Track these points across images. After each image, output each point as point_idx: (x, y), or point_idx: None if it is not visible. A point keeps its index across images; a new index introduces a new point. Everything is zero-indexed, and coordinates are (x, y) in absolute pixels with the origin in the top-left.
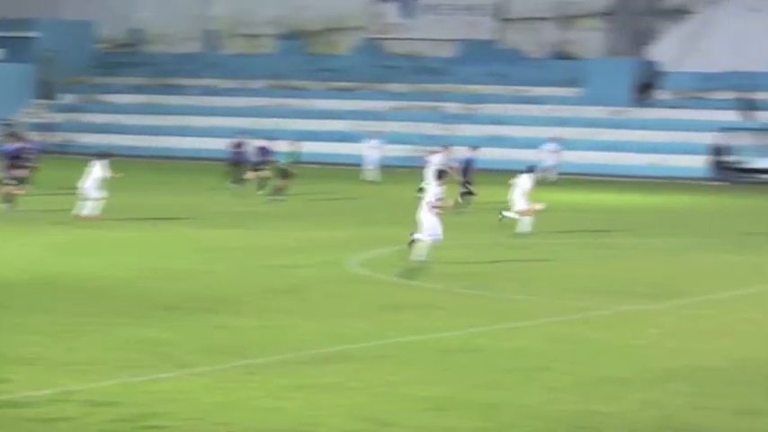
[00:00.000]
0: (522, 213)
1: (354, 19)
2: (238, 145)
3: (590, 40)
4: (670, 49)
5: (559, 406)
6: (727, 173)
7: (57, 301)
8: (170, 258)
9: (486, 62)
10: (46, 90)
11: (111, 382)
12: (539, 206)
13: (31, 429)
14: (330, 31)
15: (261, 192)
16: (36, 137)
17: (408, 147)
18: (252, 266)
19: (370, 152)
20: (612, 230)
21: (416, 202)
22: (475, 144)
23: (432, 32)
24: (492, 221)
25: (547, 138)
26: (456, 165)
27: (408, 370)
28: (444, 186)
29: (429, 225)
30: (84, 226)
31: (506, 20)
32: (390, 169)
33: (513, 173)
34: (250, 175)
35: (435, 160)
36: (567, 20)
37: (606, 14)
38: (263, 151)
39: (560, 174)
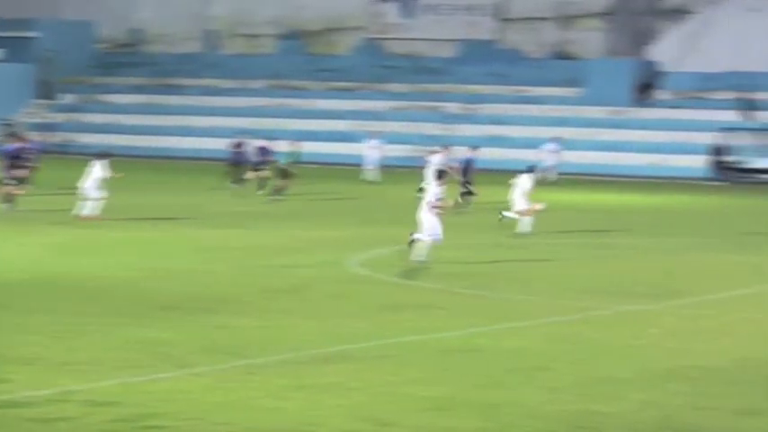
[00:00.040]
0: (522, 213)
1: (354, 19)
2: (238, 145)
3: (590, 40)
4: (670, 49)
5: (559, 406)
6: (728, 173)
7: (57, 301)
8: (170, 258)
9: (486, 62)
10: (46, 90)
11: (110, 382)
12: (539, 206)
13: (30, 429)
14: (330, 31)
15: (261, 192)
16: (36, 137)
17: (408, 147)
18: (252, 266)
19: (370, 152)
20: (612, 230)
21: (416, 202)
22: (475, 144)
23: (431, 32)
24: (492, 221)
25: (547, 138)
26: (456, 165)
27: (408, 370)
28: (444, 186)
29: (429, 225)
30: (84, 226)
31: (506, 20)
32: (390, 169)
33: (513, 173)
34: (250, 175)
35: (435, 160)
36: (566, 20)
37: (606, 14)
38: (264, 151)
39: (560, 174)
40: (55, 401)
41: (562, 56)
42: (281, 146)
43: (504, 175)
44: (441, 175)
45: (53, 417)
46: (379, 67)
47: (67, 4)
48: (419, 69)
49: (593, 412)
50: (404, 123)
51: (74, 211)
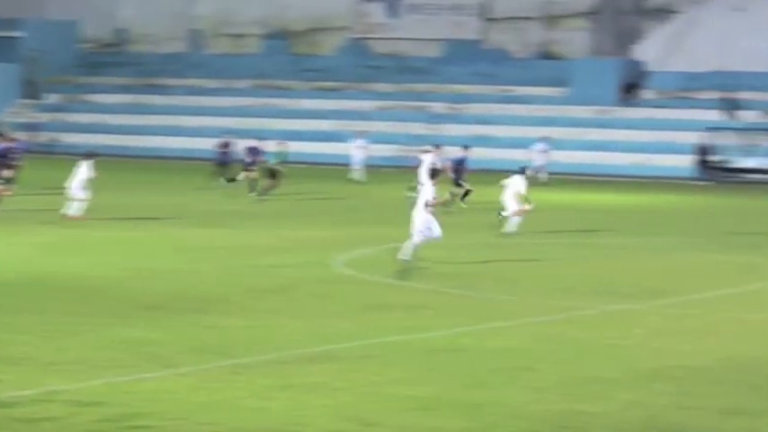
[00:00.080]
0: (513, 214)
1: (339, 19)
2: (225, 145)
3: (575, 39)
4: (655, 49)
5: (544, 406)
6: (713, 172)
7: (45, 300)
8: (156, 258)
9: (471, 62)
10: (31, 90)
11: (96, 382)
12: (527, 206)
13: (16, 429)
14: (315, 30)
15: (252, 193)
16: (23, 137)
17: (394, 147)
18: (238, 266)
19: (356, 152)
20: (598, 230)
21: (403, 201)
22: (465, 144)
23: (417, 32)
24: (481, 221)
25: (535, 138)
26: (448, 164)
27: (393, 370)
28: (437, 186)
29: (423, 224)
30: (70, 226)
31: (491, 20)
32: (375, 169)
33: (499, 172)
34: (242, 175)
35: (428, 160)
36: (552, 20)
37: (591, 14)
38: (254, 151)
39: (549, 174)
40: (40, 401)
41: (547, 56)
42: (270, 146)
43: (490, 174)
44: (435, 174)
45: (38, 417)
46: (364, 67)
47: (52, 3)
48: (404, 69)
49: (578, 412)
50: (389, 123)
51: (62, 210)
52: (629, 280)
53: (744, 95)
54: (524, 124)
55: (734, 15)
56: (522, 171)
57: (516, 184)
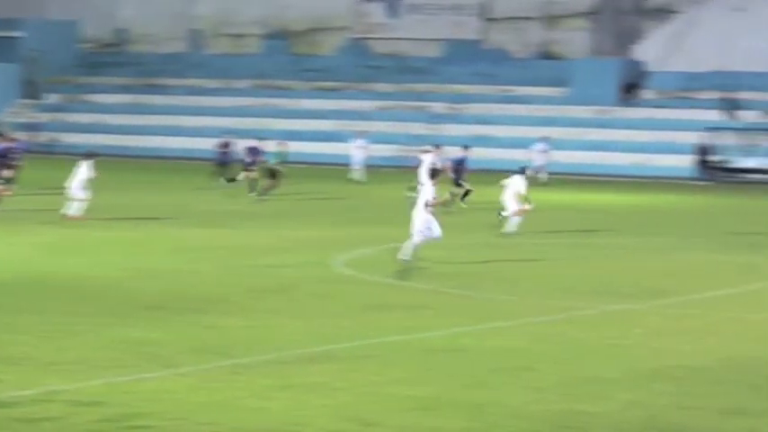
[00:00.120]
0: (514, 214)
1: (339, 19)
2: (225, 145)
3: (575, 39)
4: (655, 49)
5: (544, 406)
6: (713, 172)
7: (45, 300)
8: (156, 258)
9: (471, 62)
10: (31, 90)
11: (96, 381)
12: (527, 206)
13: (15, 429)
14: (315, 30)
15: (252, 193)
16: (23, 136)
17: (395, 147)
18: (238, 266)
19: (357, 152)
20: (598, 230)
21: (403, 201)
22: (465, 144)
23: (417, 32)
24: (481, 221)
25: (535, 138)
26: (448, 164)
27: (393, 370)
28: (438, 186)
29: (423, 224)
30: (71, 226)
31: (491, 20)
32: (375, 169)
33: (498, 172)
34: (243, 175)
35: (428, 160)
36: (552, 20)
37: (591, 14)
38: (254, 151)
39: (549, 174)
40: (40, 401)
41: (547, 56)
42: (270, 146)
43: (490, 174)
44: (435, 174)
45: (38, 417)
46: (364, 67)
47: (52, 3)
48: (404, 69)
49: (578, 412)
50: (389, 123)
51: (62, 211)
52: (629, 280)
53: (744, 95)
54: (524, 124)
55: (734, 15)
56: (522, 171)
57: (516, 184)
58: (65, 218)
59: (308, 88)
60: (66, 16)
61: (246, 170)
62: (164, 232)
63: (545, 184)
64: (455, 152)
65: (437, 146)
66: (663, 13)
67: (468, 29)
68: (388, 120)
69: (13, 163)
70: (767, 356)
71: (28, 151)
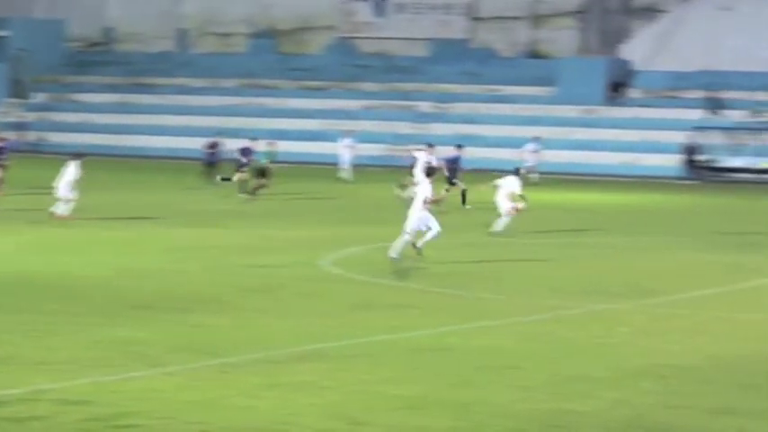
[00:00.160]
0: (507, 213)
1: (326, 18)
2: (213, 145)
3: (562, 38)
4: (642, 48)
5: (531, 405)
6: (700, 172)
7: (31, 299)
8: (145, 257)
9: (458, 61)
10: (18, 89)
11: (83, 381)
12: (521, 205)
13: (2, 429)
14: (301, 29)
15: (242, 194)
16: (11, 136)
17: (382, 146)
18: (226, 265)
19: (344, 151)
20: (586, 230)
21: (391, 200)
22: (459, 143)
23: (403, 31)
24: (468, 221)
25: (527, 138)
26: (442, 163)
27: (381, 369)
28: (433, 184)
29: (419, 222)
30: (58, 225)
31: (478, 19)
32: (362, 168)
33: (485, 172)
34: (237, 176)
35: (423, 158)
36: (538, 19)
37: (578, 13)
38: (246, 151)
39: (540, 173)
40: (27, 400)
41: (534, 55)
42: (260, 145)
43: (475, 174)
44: (431, 172)
45: (25, 416)
46: (351, 66)
47: (39, 2)
48: (391, 68)
49: (565, 411)
50: (376, 122)
51: (50, 209)
52: (617, 279)
53: (730, 95)
54: (511, 123)
55: (720, 15)
56: (516, 172)
57: (510, 185)
58: (53, 217)
59: (294, 87)
60: (53, 15)
61: (240, 171)
62: (152, 232)
63: (535, 184)
64: (446, 151)
65: (430, 145)
66: (650, 12)
67: (455, 28)
68: (375, 119)
69: (3, 163)
70: (755, 355)
71: (16, 151)
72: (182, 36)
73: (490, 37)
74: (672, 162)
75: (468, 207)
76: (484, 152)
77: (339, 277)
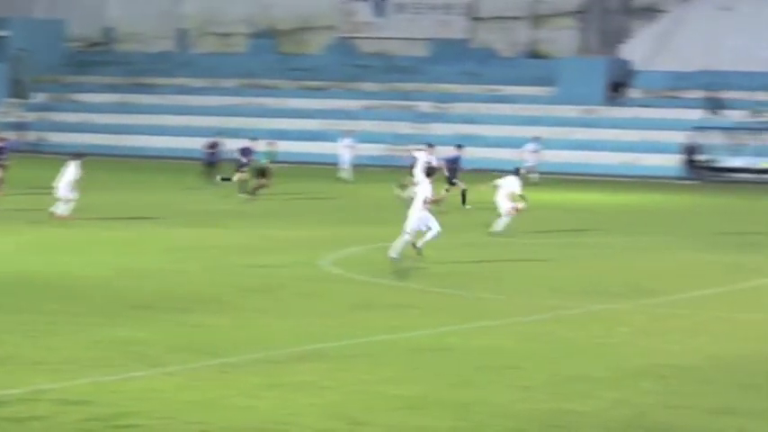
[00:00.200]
0: (507, 213)
1: (326, 18)
2: (212, 146)
3: (562, 38)
4: (642, 48)
5: (531, 405)
6: (700, 172)
7: (31, 299)
8: (145, 257)
9: (458, 61)
10: (18, 89)
11: (83, 381)
12: (521, 206)
13: (2, 429)
14: (301, 29)
15: (242, 194)
16: (13, 136)
17: (381, 146)
18: (226, 265)
19: (344, 151)
20: (586, 230)
21: (391, 200)
22: (459, 143)
23: (404, 31)
24: (468, 221)
25: (527, 138)
26: (442, 163)
27: (381, 369)
28: (433, 183)
29: (419, 222)
30: (58, 225)
31: (478, 19)
32: (362, 168)
33: (485, 172)
34: (237, 177)
35: (423, 158)
36: (539, 19)
37: (578, 13)
38: (246, 151)
39: (540, 173)
40: (27, 400)
41: (534, 55)
42: (260, 145)
43: (475, 174)
44: (431, 172)
45: (25, 416)
46: (350, 66)
47: (39, 2)
48: (391, 68)
49: (565, 411)
50: (376, 122)
51: (50, 209)
52: (618, 279)
53: (730, 95)
54: (511, 123)
55: (720, 15)
56: (516, 172)
57: (510, 185)
58: (52, 216)
59: (294, 87)
60: (53, 15)
61: (240, 171)
62: (152, 232)
63: (535, 184)
64: (446, 151)
65: (430, 145)
66: (649, 12)
67: (455, 28)
68: (375, 119)
69: (3, 163)
70: (755, 355)
71: (16, 151)
72: (182, 36)
73: (490, 37)
74: (672, 162)
75: (468, 207)
76: (484, 152)
77: (339, 277)
